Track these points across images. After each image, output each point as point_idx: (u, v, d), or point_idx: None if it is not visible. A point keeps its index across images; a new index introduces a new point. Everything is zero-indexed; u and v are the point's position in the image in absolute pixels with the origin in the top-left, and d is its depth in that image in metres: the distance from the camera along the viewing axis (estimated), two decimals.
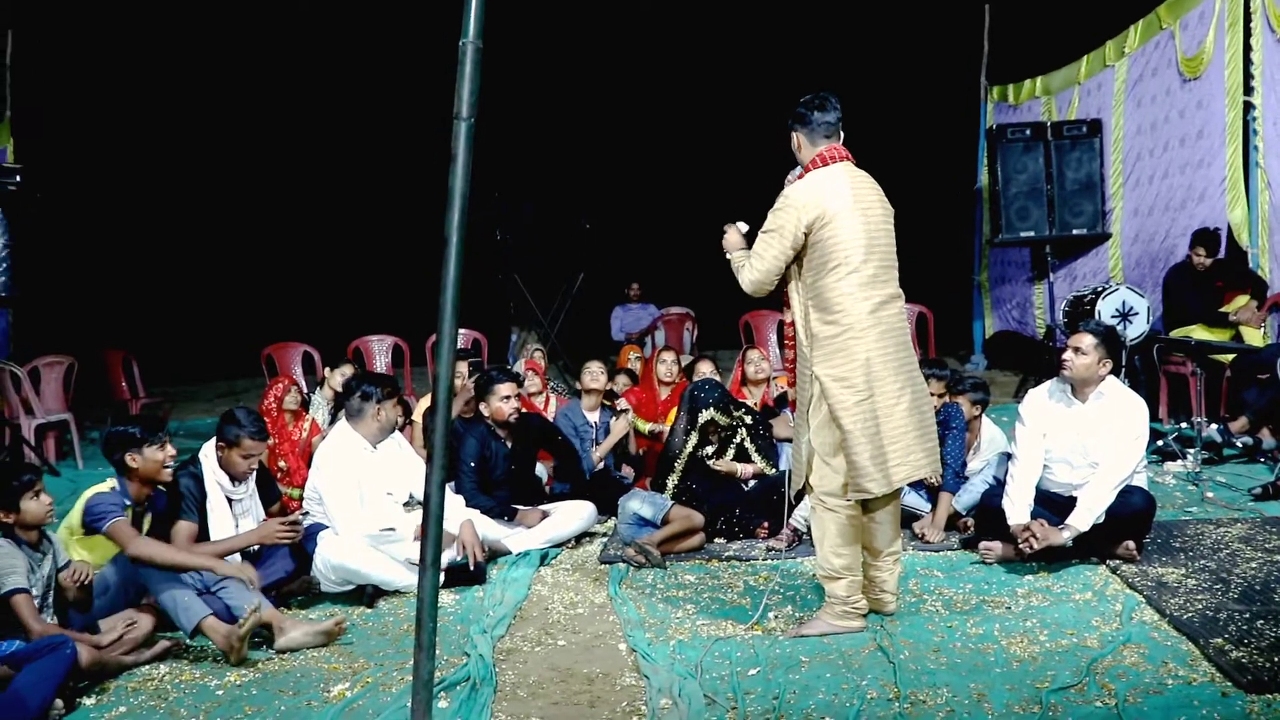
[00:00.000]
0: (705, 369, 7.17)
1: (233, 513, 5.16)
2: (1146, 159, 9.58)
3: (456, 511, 5.56)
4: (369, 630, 4.81)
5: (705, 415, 6.06)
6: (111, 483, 4.76)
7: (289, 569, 5.22)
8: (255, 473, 5.29)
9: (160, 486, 4.91)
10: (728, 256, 4.53)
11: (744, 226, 4.56)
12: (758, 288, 4.36)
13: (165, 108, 13.40)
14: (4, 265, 8.89)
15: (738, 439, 6.21)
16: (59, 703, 3.90)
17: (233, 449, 5.09)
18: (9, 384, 9.14)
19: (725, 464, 6.16)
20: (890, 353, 4.23)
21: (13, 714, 3.72)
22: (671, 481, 6.03)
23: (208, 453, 5.16)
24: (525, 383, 7.46)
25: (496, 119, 7.95)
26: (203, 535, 5.00)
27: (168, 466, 4.84)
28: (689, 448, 6.05)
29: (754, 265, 4.32)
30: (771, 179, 4.60)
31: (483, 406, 6.30)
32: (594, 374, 7.33)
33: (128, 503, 4.73)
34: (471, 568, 5.39)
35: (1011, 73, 12.07)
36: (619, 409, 7.24)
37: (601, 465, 7.12)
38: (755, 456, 6.23)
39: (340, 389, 7.88)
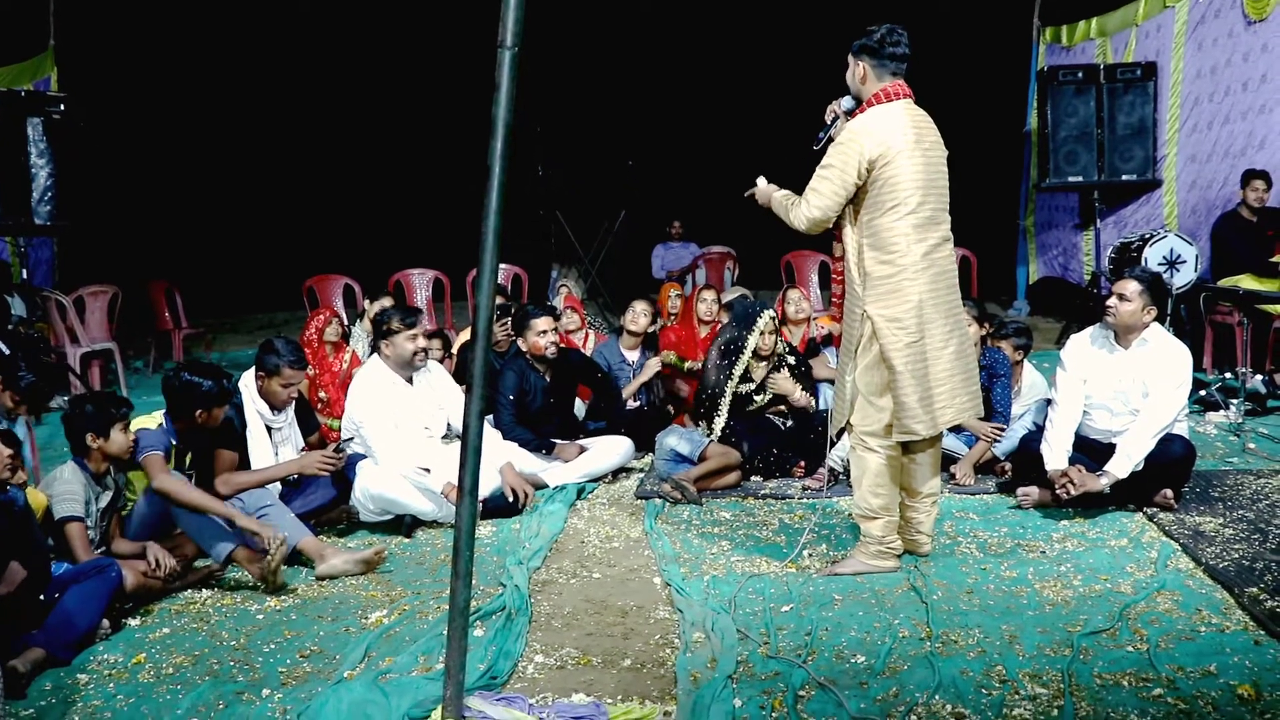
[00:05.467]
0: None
1: (272, 441, 5.22)
2: (1205, 104, 9.37)
3: (495, 452, 5.60)
4: (406, 559, 4.88)
5: (764, 319, 5.97)
6: (159, 418, 4.76)
7: (329, 497, 5.30)
8: (294, 402, 5.34)
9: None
10: (765, 205, 4.43)
11: (763, 180, 4.49)
12: (815, 224, 4.20)
13: (210, 38, 13.39)
14: (49, 195, 8.97)
15: (780, 374, 6.16)
16: (105, 623, 4.01)
17: (272, 378, 5.13)
18: (55, 312, 9.26)
19: (782, 379, 6.04)
20: (941, 295, 4.18)
21: (62, 633, 3.83)
22: (719, 424, 6.01)
23: (247, 382, 5.20)
24: (563, 319, 7.45)
25: (541, 53, 7.88)
26: (243, 464, 5.06)
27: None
28: (737, 372, 5.98)
29: (811, 201, 4.16)
30: (817, 118, 4.50)
31: (520, 342, 6.31)
32: (636, 315, 7.29)
33: (173, 442, 4.77)
34: (521, 508, 5.47)
35: (1065, 13, 11.80)
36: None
37: (638, 402, 7.13)
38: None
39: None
